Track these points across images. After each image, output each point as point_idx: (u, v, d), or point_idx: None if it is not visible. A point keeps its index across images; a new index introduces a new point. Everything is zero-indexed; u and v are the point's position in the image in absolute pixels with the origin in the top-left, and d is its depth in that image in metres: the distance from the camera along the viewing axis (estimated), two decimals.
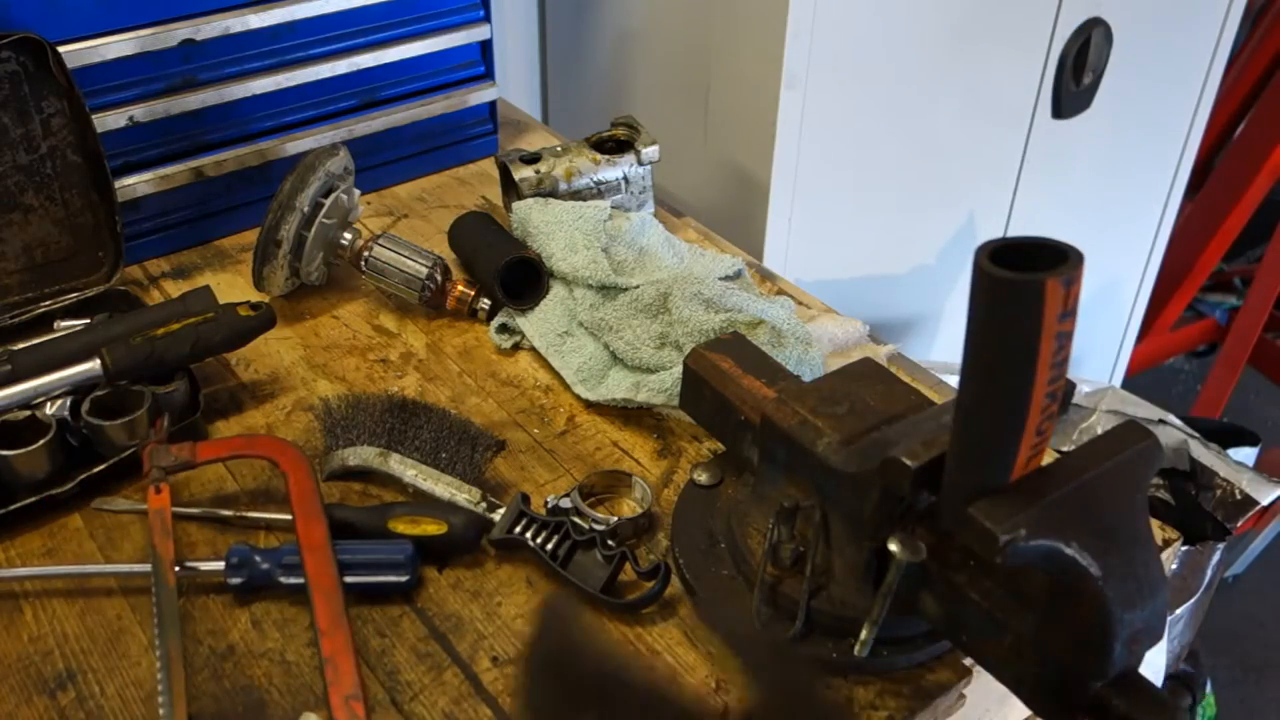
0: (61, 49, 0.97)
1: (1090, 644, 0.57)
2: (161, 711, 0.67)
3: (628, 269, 1.06)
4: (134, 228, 1.11)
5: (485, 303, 1.05)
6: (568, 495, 0.83)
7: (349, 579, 0.75)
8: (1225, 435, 1.80)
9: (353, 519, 0.80)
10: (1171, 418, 1.63)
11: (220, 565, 0.76)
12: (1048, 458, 0.59)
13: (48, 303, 1.02)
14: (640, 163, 1.16)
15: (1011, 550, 0.55)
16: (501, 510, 0.80)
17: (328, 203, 1.03)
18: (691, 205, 1.37)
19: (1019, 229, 1.67)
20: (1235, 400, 2.40)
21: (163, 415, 0.86)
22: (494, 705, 0.70)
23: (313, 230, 1.02)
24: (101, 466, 0.84)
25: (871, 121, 1.38)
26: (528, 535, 0.79)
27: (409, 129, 1.26)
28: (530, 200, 1.10)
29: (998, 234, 1.59)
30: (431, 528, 0.79)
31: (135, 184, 1.09)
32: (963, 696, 0.73)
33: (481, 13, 1.25)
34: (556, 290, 1.05)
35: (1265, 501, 1.53)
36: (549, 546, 0.78)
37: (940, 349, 1.70)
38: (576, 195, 1.14)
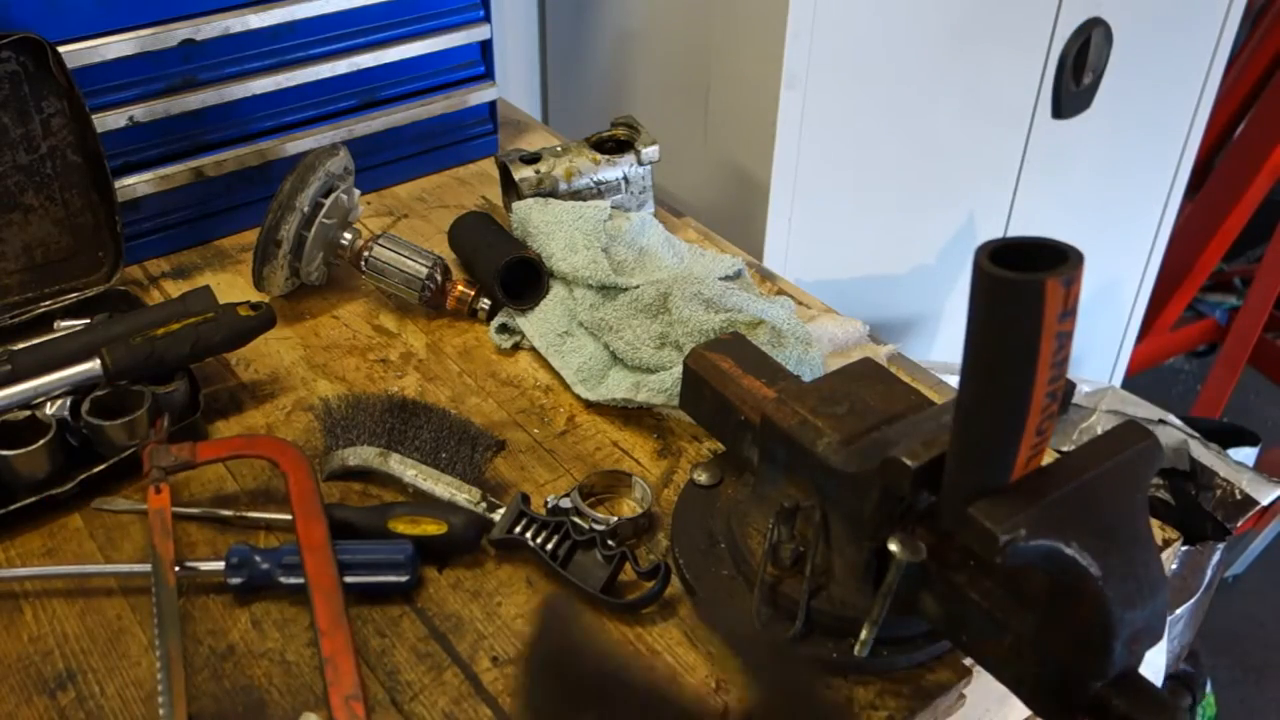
0: (61, 49, 0.97)
1: (1090, 644, 0.57)
2: (161, 711, 0.67)
3: (628, 269, 1.06)
4: (134, 228, 1.11)
5: (485, 303, 1.05)
6: (568, 495, 0.83)
7: (349, 579, 0.75)
8: (1225, 435, 1.80)
9: (353, 519, 0.80)
10: (1171, 418, 1.64)
11: (220, 565, 0.76)
12: (1047, 458, 0.59)
13: (48, 303, 1.02)
14: (640, 163, 1.16)
15: (1012, 550, 0.55)
16: (501, 510, 0.80)
17: (328, 203, 1.03)
18: (691, 205, 1.37)
19: (1019, 229, 1.67)
20: (1235, 400, 2.40)
21: (163, 415, 0.86)
22: (494, 705, 0.70)
23: (313, 230, 1.02)
24: (101, 466, 0.84)
25: (871, 121, 1.38)
26: (528, 535, 0.79)
27: (409, 129, 1.26)
28: (530, 200, 1.10)
29: (998, 234, 1.59)
30: (431, 528, 0.79)
31: (135, 184, 1.09)
32: (963, 696, 0.73)
33: (481, 13, 1.25)
34: (556, 290, 1.05)
35: (1265, 501, 1.53)
36: (549, 546, 0.78)
37: (940, 349, 1.70)
38: (576, 195, 1.14)
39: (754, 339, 0.91)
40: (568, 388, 0.97)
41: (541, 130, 1.42)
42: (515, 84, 1.67)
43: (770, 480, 0.75)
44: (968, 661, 0.73)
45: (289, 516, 0.78)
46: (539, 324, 1.02)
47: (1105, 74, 1.58)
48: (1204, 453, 1.57)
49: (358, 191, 1.08)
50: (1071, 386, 0.60)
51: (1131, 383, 2.24)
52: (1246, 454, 1.86)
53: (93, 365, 0.87)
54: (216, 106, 1.12)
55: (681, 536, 0.80)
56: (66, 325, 0.98)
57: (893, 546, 0.62)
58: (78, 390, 0.88)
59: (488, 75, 1.30)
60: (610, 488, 0.87)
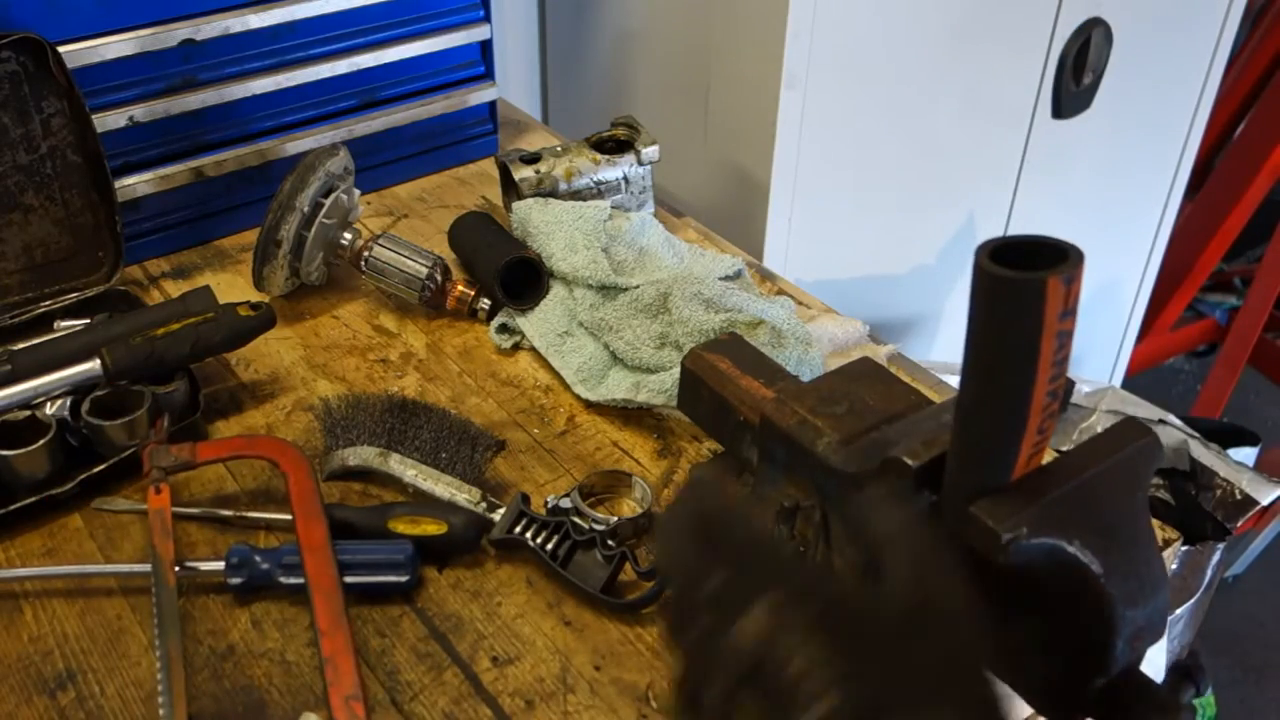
0: (61, 49, 0.97)
1: (1092, 642, 0.57)
2: (161, 711, 0.67)
3: (628, 269, 1.06)
4: (134, 228, 1.11)
5: (485, 303, 1.05)
6: (568, 495, 0.83)
7: (349, 579, 0.75)
8: (1225, 435, 1.80)
9: (353, 519, 0.80)
10: (1171, 418, 1.63)
11: (220, 565, 0.76)
12: (1047, 457, 0.59)
13: (48, 303, 1.02)
14: (640, 163, 1.16)
15: (1014, 548, 0.55)
16: (501, 510, 0.80)
17: (328, 203, 1.03)
18: (691, 205, 1.37)
19: (1019, 229, 1.67)
20: (1235, 400, 2.40)
21: (163, 415, 0.86)
22: (494, 705, 0.70)
23: (313, 230, 1.02)
24: (101, 466, 0.84)
25: (871, 121, 1.37)
26: (528, 535, 0.79)
27: (409, 129, 1.26)
28: (530, 200, 1.10)
29: (998, 234, 1.59)
30: (431, 528, 0.79)
31: (135, 184, 1.09)
32: None
33: (481, 13, 1.25)
34: (556, 290, 1.05)
35: (1265, 501, 1.53)
36: (549, 546, 0.78)
37: (940, 349, 1.70)
38: (576, 195, 1.14)
39: (754, 339, 0.91)
40: (568, 388, 0.97)
41: (541, 130, 1.42)
42: (515, 84, 1.67)
43: (770, 480, 0.75)
44: None
45: (289, 516, 0.78)
46: (539, 324, 1.02)
47: (1105, 74, 1.58)
48: (1204, 453, 1.57)
49: (358, 191, 1.08)
50: (1071, 385, 0.60)
51: (1131, 383, 2.24)
52: (1246, 454, 1.86)
53: (93, 365, 0.87)
54: (216, 106, 1.12)
55: None
56: (66, 325, 0.98)
57: None
58: (78, 390, 0.88)
59: (488, 75, 1.30)
60: (610, 488, 0.87)
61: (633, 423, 0.94)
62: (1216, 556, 1.50)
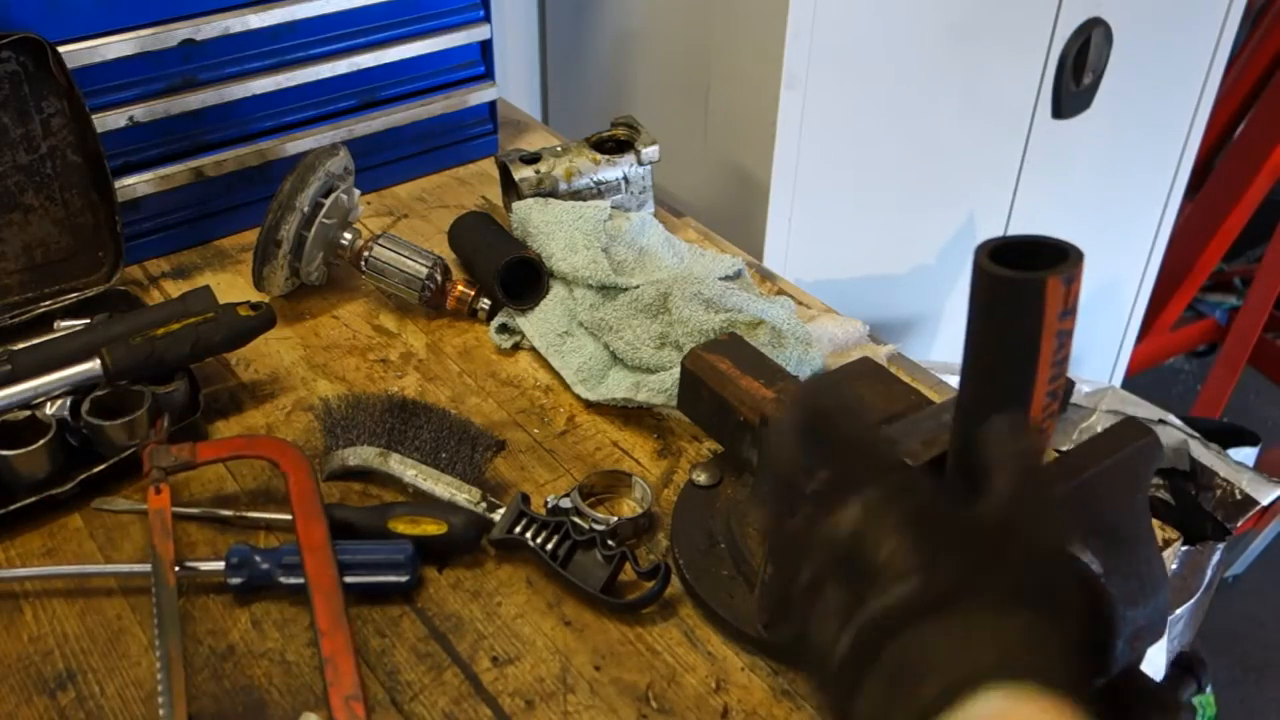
0: (61, 49, 0.97)
1: (1092, 642, 0.57)
2: (161, 712, 0.67)
3: (628, 269, 1.06)
4: (134, 228, 1.11)
5: (485, 303, 1.05)
6: (568, 495, 0.83)
7: (349, 579, 0.75)
8: (1225, 435, 1.80)
9: (353, 519, 0.80)
10: (1171, 418, 1.63)
11: (220, 565, 0.76)
12: (1047, 457, 0.59)
13: (48, 303, 1.02)
14: (640, 163, 1.16)
15: None
16: (501, 510, 0.80)
17: (328, 203, 1.03)
18: (691, 205, 1.37)
19: (1019, 229, 1.67)
20: (1235, 400, 2.40)
21: (163, 415, 0.86)
22: (494, 705, 0.70)
23: (313, 230, 1.02)
24: (101, 466, 0.84)
25: (871, 121, 1.37)
26: (528, 535, 0.78)
27: (409, 129, 1.26)
28: (530, 200, 1.10)
29: (998, 234, 1.59)
30: (431, 528, 0.79)
31: (135, 184, 1.09)
32: None
33: (481, 13, 1.25)
34: (556, 290, 1.05)
35: (1265, 501, 1.53)
36: (549, 546, 0.78)
37: (940, 349, 1.70)
38: (576, 195, 1.14)
39: (754, 339, 0.91)
40: (568, 388, 0.97)
41: (541, 130, 1.42)
42: (515, 84, 1.67)
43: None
44: None
45: (289, 516, 0.78)
46: (539, 324, 1.02)
47: (1105, 74, 1.58)
48: (1204, 453, 1.57)
49: (358, 191, 1.08)
50: (1071, 385, 0.60)
51: (1131, 383, 2.24)
52: (1246, 454, 1.86)
53: (93, 365, 0.87)
54: (216, 106, 1.12)
55: (681, 536, 0.80)
56: (66, 325, 0.97)
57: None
58: (78, 390, 0.88)
59: (488, 75, 1.30)
60: (610, 488, 0.87)
61: (633, 423, 0.94)
62: (1216, 556, 1.50)
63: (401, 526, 0.79)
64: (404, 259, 1.04)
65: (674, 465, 0.90)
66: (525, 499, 0.81)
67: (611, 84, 1.55)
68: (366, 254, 1.05)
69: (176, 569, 0.75)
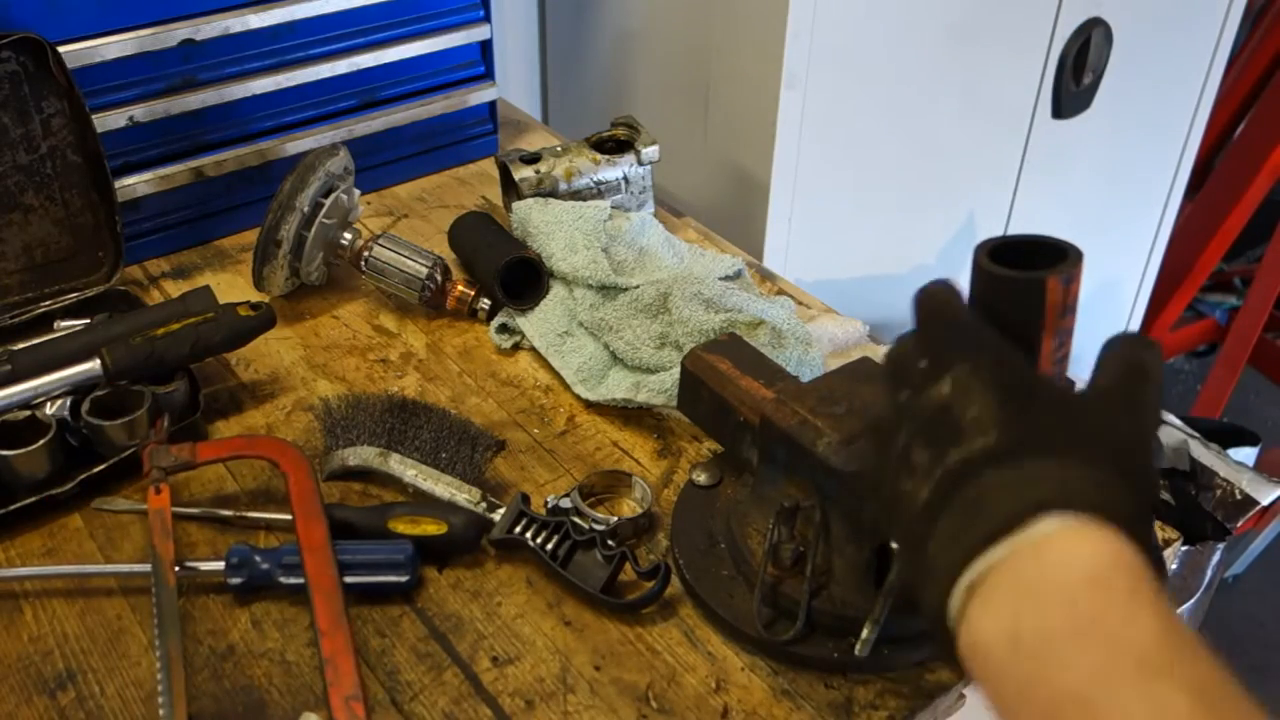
0: (61, 49, 0.97)
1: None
2: (161, 712, 0.67)
3: (628, 269, 1.06)
4: (134, 228, 1.11)
5: (485, 303, 1.05)
6: (568, 495, 0.83)
7: (349, 579, 0.75)
8: (1225, 435, 1.80)
9: (353, 519, 0.80)
10: (1171, 418, 1.63)
11: (220, 565, 0.76)
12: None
13: (48, 303, 1.02)
14: (640, 163, 1.16)
15: None
16: (501, 510, 0.80)
17: (328, 203, 1.03)
18: (691, 205, 1.37)
19: (1019, 229, 1.67)
20: (1235, 400, 2.40)
21: (163, 415, 0.86)
22: (494, 705, 0.70)
23: (313, 230, 1.02)
24: (101, 466, 0.84)
25: (871, 121, 1.37)
26: (528, 535, 0.78)
27: (409, 129, 1.26)
28: (530, 200, 1.10)
29: (998, 234, 1.59)
30: (431, 528, 0.79)
31: (135, 184, 1.09)
32: (963, 696, 0.73)
33: (481, 13, 1.25)
34: (556, 290, 1.05)
35: (1265, 501, 1.53)
36: (549, 546, 0.78)
37: None
38: (576, 195, 1.14)
39: (754, 339, 0.91)
40: (568, 388, 0.97)
41: (541, 130, 1.42)
42: (515, 84, 1.67)
43: (770, 480, 0.75)
44: None
45: (289, 516, 0.78)
46: (539, 324, 1.02)
47: (1105, 74, 1.58)
48: (1204, 453, 1.57)
49: (358, 191, 1.08)
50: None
51: None
52: (1246, 454, 1.86)
53: (93, 365, 0.87)
54: (216, 106, 1.12)
55: (681, 536, 0.80)
56: (66, 325, 0.97)
57: (895, 545, 0.62)
58: (78, 390, 0.88)
59: (488, 75, 1.30)
60: (610, 488, 0.87)
61: (633, 423, 0.94)
62: (1216, 556, 1.50)
63: (401, 526, 0.79)
64: (404, 259, 1.04)
65: (674, 465, 0.90)
66: (525, 499, 0.81)
67: (611, 84, 1.55)
68: (366, 254, 1.05)
69: (176, 569, 0.75)
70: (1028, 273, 0.53)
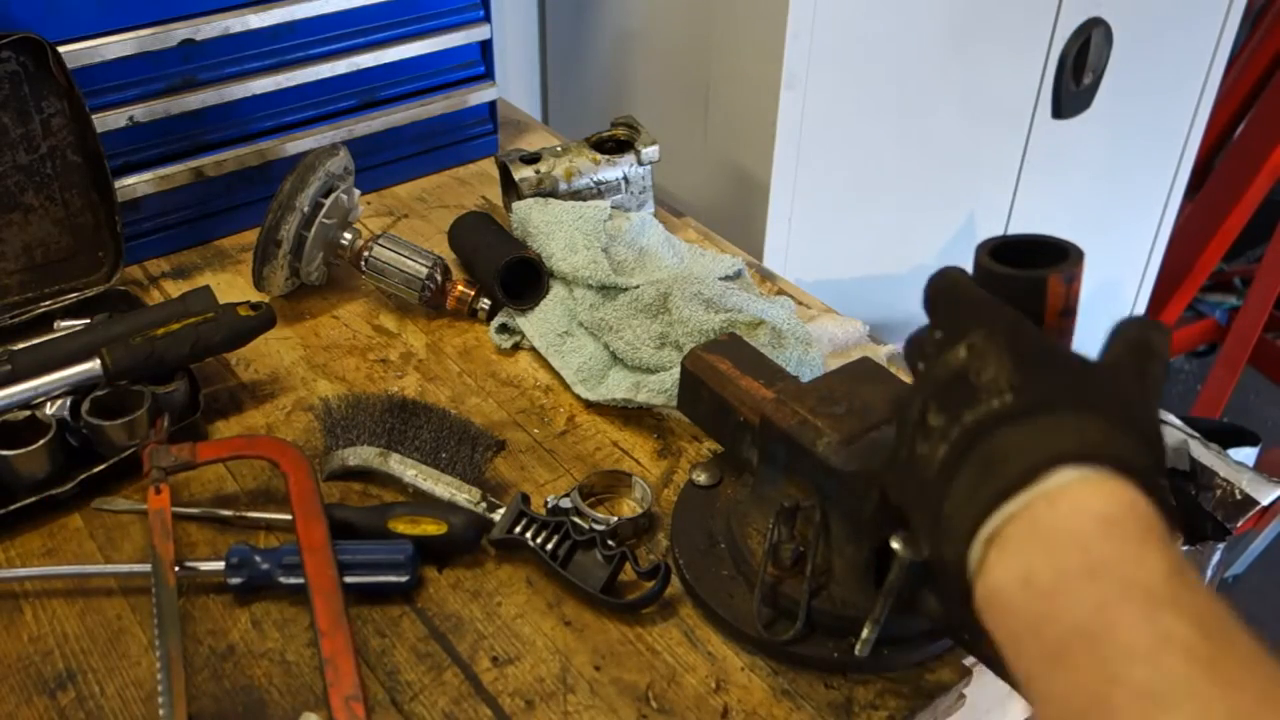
0: (61, 49, 0.97)
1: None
2: (161, 712, 0.67)
3: (628, 269, 1.06)
4: (134, 228, 1.11)
5: (485, 303, 1.05)
6: (568, 495, 0.83)
7: (349, 579, 0.75)
8: (1225, 435, 1.79)
9: (353, 519, 0.80)
10: (1171, 418, 1.63)
11: (220, 565, 0.76)
12: None
13: (48, 303, 1.02)
14: (640, 163, 1.16)
15: None
16: (501, 510, 0.80)
17: (328, 203, 1.03)
18: (691, 205, 1.37)
19: (1019, 229, 1.66)
20: (1235, 400, 2.40)
21: (163, 415, 0.86)
22: (494, 705, 0.70)
23: (313, 230, 1.02)
24: (101, 466, 0.84)
25: (871, 121, 1.37)
26: (528, 535, 0.78)
27: (409, 129, 1.26)
28: (530, 200, 1.10)
29: (998, 234, 1.59)
30: (431, 528, 0.79)
31: (135, 184, 1.09)
32: (963, 696, 0.73)
33: (481, 13, 1.25)
34: (556, 290, 1.04)
35: (1265, 501, 1.52)
36: (549, 546, 0.78)
37: None
38: (576, 195, 1.14)
39: (754, 339, 0.91)
40: (568, 388, 0.97)
41: (541, 130, 1.42)
42: (515, 84, 1.67)
43: (770, 480, 0.75)
44: (968, 661, 0.73)
45: (289, 516, 0.78)
46: (539, 324, 1.02)
47: (1105, 74, 1.58)
48: (1204, 453, 1.57)
49: (358, 191, 1.08)
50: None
51: None
52: (1246, 454, 1.86)
53: (93, 365, 0.87)
54: (216, 106, 1.12)
55: (681, 536, 0.80)
56: (66, 325, 0.97)
57: (895, 545, 0.62)
58: (78, 390, 0.88)
59: (488, 75, 1.30)
60: (610, 488, 0.87)
61: (633, 423, 0.94)
62: (1216, 556, 1.50)
63: (401, 526, 0.79)
64: (404, 259, 1.04)
65: (674, 465, 0.90)
66: (525, 499, 0.81)
67: (611, 84, 1.55)
68: (366, 254, 1.05)
69: (176, 569, 0.75)
70: (1029, 271, 0.53)
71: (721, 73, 1.34)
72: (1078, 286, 0.54)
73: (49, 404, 0.87)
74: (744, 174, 1.36)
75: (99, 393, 0.87)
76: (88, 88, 1.01)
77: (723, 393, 0.80)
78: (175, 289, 1.10)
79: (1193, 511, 1.51)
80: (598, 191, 1.15)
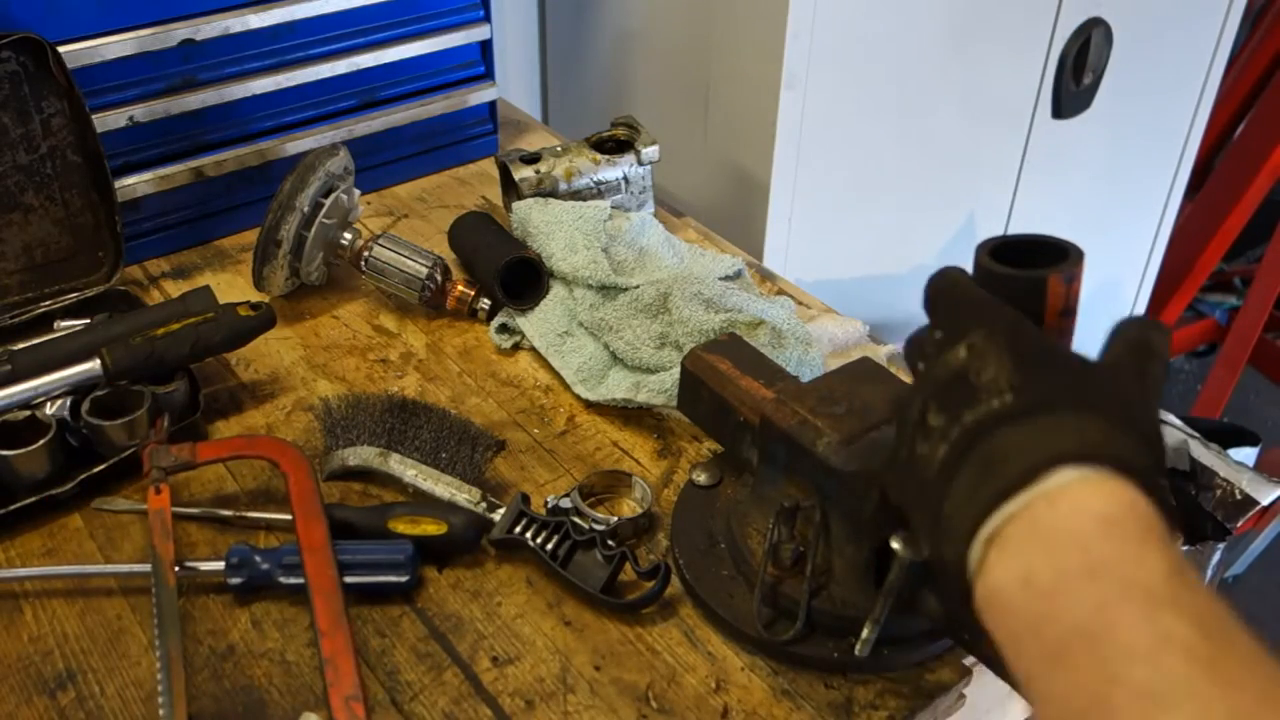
0: (61, 49, 0.97)
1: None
2: (161, 712, 0.67)
3: (628, 269, 1.06)
4: (134, 228, 1.11)
5: (485, 303, 1.05)
6: (568, 495, 0.83)
7: (349, 579, 0.75)
8: (1225, 435, 1.79)
9: (353, 519, 0.80)
10: (1171, 418, 1.63)
11: (220, 565, 0.76)
12: None
13: (48, 303, 1.02)
14: (640, 163, 1.16)
15: None
16: (501, 510, 0.80)
17: (328, 203, 1.03)
18: (691, 205, 1.37)
19: (1019, 229, 1.66)
20: (1235, 400, 2.40)
21: (163, 415, 0.86)
22: (494, 705, 0.70)
23: (313, 230, 1.02)
24: (101, 466, 0.84)
25: (871, 121, 1.37)
26: (528, 535, 0.78)
27: (409, 129, 1.26)
28: (530, 200, 1.10)
29: (998, 234, 1.59)
30: (431, 528, 0.79)
31: (135, 184, 1.09)
32: (963, 696, 0.73)
33: (481, 13, 1.25)
34: (556, 290, 1.05)
35: (1265, 501, 1.52)
36: (549, 546, 0.78)
37: None
38: (576, 195, 1.14)
39: (754, 339, 0.91)
40: (568, 388, 0.97)
41: (541, 130, 1.42)
42: (515, 84, 1.67)
43: (770, 480, 0.75)
44: (968, 661, 0.73)
45: (289, 516, 0.78)
46: (539, 324, 1.02)
47: (1105, 74, 1.58)
48: (1204, 453, 1.57)
49: (358, 191, 1.08)
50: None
51: None
52: (1246, 454, 1.86)
53: (93, 365, 0.87)
54: (216, 106, 1.12)
55: (681, 536, 0.80)
56: (66, 325, 0.97)
57: (895, 545, 0.62)
58: (78, 390, 0.88)
59: (488, 75, 1.30)
60: (610, 488, 0.87)
61: (633, 423, 0.94)
62: (1216, 556, 1.50)
63: (401, 526, 0.79)
64: (404, 259, 1.04)
65: (674, 465, 0.90)
66: (525, 499, 0.81)
67: (611, 84, 1.55)
68: (366, 254, 1.05)
69: (176, 569, 0.75)
70: (1029, 271, 0.53)
71: (721, 73, 1.34)
72: (1078, 286, 0.54)
73: (49, 404, 0.87)
74: (744, 174, 1.36)
75: (99, 393, 0.87)
76: (88, 88, 1.01)
77: (723, 393, 0.80)
78: (175, 289, 1.10)
79: (1193, 511, 1.51)
80: (598, 191, 1.15)
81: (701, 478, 0.84)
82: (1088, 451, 0.45)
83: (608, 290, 1.02)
